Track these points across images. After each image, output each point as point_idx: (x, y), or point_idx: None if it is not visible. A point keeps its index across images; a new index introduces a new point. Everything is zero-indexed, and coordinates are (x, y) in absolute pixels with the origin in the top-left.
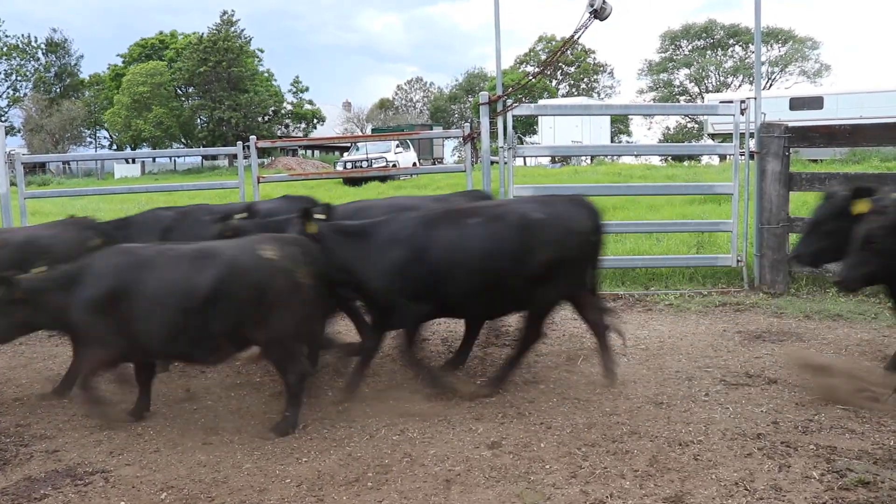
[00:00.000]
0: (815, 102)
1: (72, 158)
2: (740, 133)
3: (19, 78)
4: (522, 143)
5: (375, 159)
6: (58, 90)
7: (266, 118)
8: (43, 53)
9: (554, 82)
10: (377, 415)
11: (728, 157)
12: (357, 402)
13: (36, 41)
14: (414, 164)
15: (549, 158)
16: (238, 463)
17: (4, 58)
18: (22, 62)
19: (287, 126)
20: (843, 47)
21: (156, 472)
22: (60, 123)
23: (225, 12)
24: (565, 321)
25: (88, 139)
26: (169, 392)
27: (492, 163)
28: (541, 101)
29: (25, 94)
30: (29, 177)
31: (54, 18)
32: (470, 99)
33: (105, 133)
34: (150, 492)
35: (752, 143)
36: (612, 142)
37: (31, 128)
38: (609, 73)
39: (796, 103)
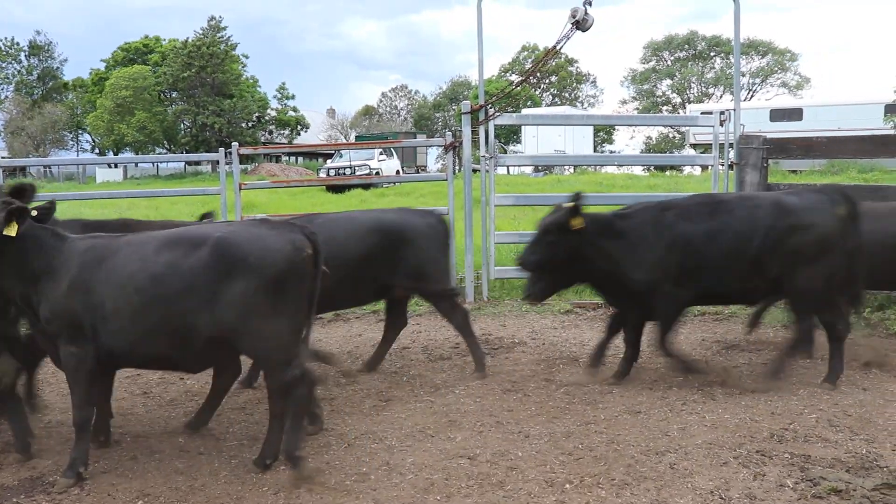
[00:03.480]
0: (795, 114)
1: (53, 163)
2: (720, 144)
3: (0, 80)
4: (505, 152)
5: (358, 167)
6: (40, 93)
7: (250, 124)
8: (26, 56)
9: (538, 91)
10: (355, 423)
11: (709, 167)
12: (334, 411)
13: (19, 44)
14: (397, 171)
15: (532, 167)
16: (215, 470)
17: None
18: (4, 64)
19: (271, 132)
20: (822, 59)
21: (132, 479)
22: (42, 126)
23: (213, 17)
24: (544, 330)
25: (70, 143)
26: (146, 400)
27: (474, 171)
28: (524, 111)
29: (7, 97)
30: (9, 180)
31: (38, 21)
32: (454, 107)
33: (87, 137)
34: (126, 499)
35: (731, 154)
36: (595, 151)
37: (12, 130)
38: (592, 83)
39: (776, 115)
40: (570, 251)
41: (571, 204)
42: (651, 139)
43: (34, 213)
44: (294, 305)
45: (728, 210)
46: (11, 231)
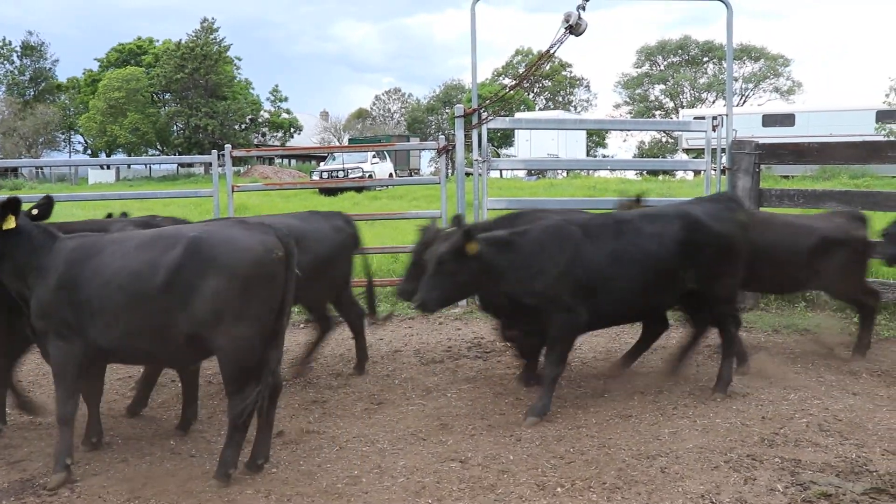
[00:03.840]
0: (787, 119)
1: (45, 164)
2: (713, 149)
3: None
4: (498, 156)
5: (351, 170)
6: (32, 93)
7: (243, 126)
8: (18, 56)
9: (531, 95)
10: (347, 426)
11: (701, 172)
12: (326, 413)
13: (11, 44)
14: (390, 174)
15: (526, 171)
16: (206, 473)
17: None
18: None
19: (264, 135)
20: (815, 65)
21: (122, 482)
22: (34, 127)
23: (205, 19)
24: None
25: (63, 144)
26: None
27: (467, 174)
28: (517, 115)
29: None
30: (0, 181)
31: (31, 22)
32: (447, 110)
33: (80, 138)
34: (117, 502)
35: (724, 159)
36: (588, 155)
37: (4, 131)
38: (586, 87)
39: (769, 120)
40: (470, 276)
41: (461, 229)
42: (644, 144)
43: (34, 211)
44: (263, 306)
45: (634, 227)
46: (10, 224)
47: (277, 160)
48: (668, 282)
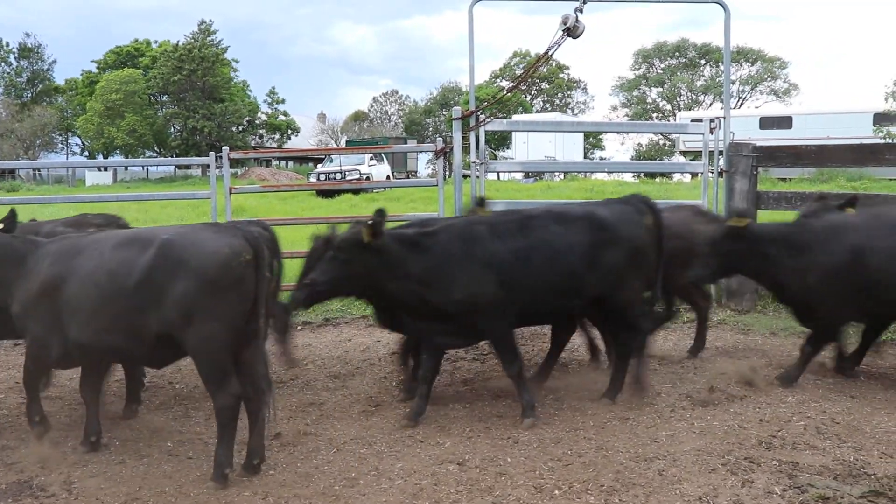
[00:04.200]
0: (785, 122)
1: (42, 166)
2: (710, 151)
3: None
4: (496, 158)
5: (349, 172)
6: (29, 95)
7: (240, 128)
8: (15, 58)
9: (529, 97)
10: (344, 428)
11: (698, 174)
12: (323, 416)
13: (8, 45)
14: (387, 177)
15: (523, 173)
16: (204, 475)
17: None
18: None
19: (261, 136)
20: (812, 67)
21: (120, 483)
22: (31, 129)
23: (203, 21)
24: (533, 336)
25: (60, 145)
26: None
27: (464, 177)
28: (514, 117)
29: None
30: None
31: (28, 23)
32: (445, 112)
33: (77, 140)
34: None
35: (721, 162)
36: (585, 157)
37: (1, 133)
38: (583, 89)
39: (766, 122)
40: (364, 270)
41: (370, 221)
42: (641, 146)
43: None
44: (233, 308)
45: (541, 226)
46: None
47: (275, 162)
48: (573, 283)
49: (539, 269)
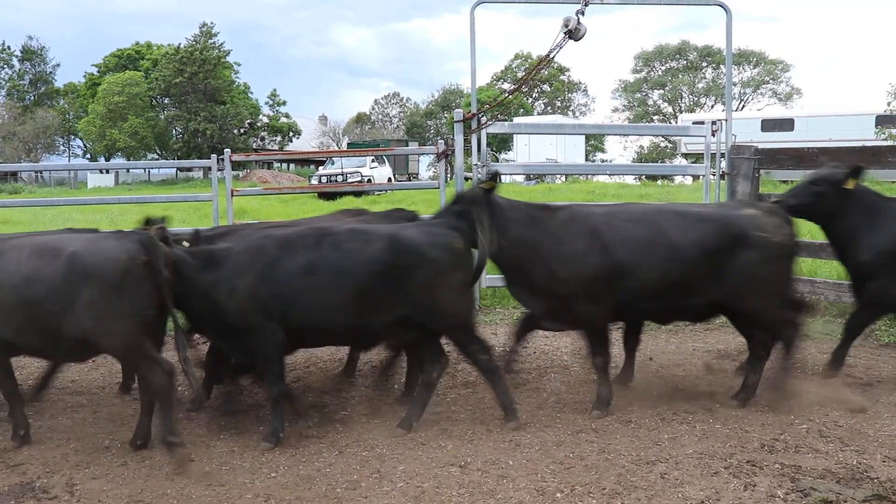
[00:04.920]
0: (786, 124)
1: (44, 168)
2: (711, 154)
3: None
4: (497, 160)
5: (350, 174)
6: (32, 98)
7: (242, 131)
8: (18, 61)
9: (530, 100)
10: (346, 430)
11: (700, 177)
12: (326, 418)
13: (10, 48)
14: (389, 179)
15: (524, 176)
16: (206, 477)
17: None
18: None
19: (263, 139)
20: (814, 69)
21: (122, 486)
22: (34, 131)
23: (204, 24)
24: (535, 339)
25: (62, 148)
26: (137, 405)
27: (466, 179)
28: (516, 119)
29: None
30: (0, 185)
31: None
32: (446, 115)
33: (79, 142)
34: None
35: (723, 164)
36: (587, 159)
37: (4, 135)
38: (584, 92)
39: (768, 125)
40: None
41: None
42: (643, 148)
43: None
44: (138, 307)
45: (336, 243)
46: None
47: (276, 164)
48: (371, 304)
49: (328, 286)
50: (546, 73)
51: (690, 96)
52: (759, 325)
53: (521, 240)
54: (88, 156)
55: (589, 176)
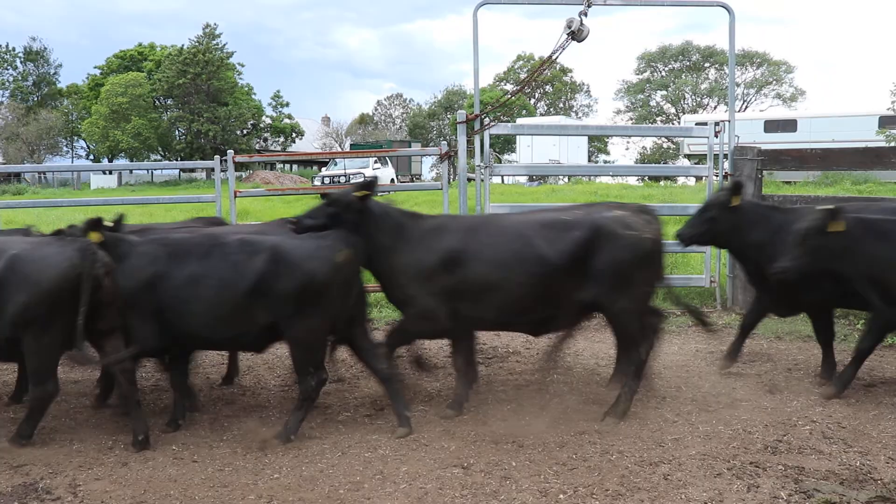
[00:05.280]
0: (789, 125)
1: (47, 169)
2: (714, 155)
3: None
4: (500, 161)
5: (353, 175)
6: (35, 99)
7: (245, 132)
8: (21, 62)
9: (532, 101)
10: (349, 431)
11: (703, 178)
12: (328, 419)
13: (14, 50)
14: (392, 180)
15: (527, 177)
16: (209, 479)
17: None
18: None
19: (266, 140)
20: (817, 70)
21: (125, 486)
22: (37, 132)
23: (207, 25)
24: (539, 340)
25: (65, 149)
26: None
27: (469, 180)
28: (519, 120)
29: (1, 103)
30: (3, 186)
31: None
32: (449, 116)
33: (82, 143)
34: None
35: (726, 165)
36: (589, 161)
37: (7, 136)
38: (587, 93)
39: (771, 126)
40: None
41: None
42: (646, 150)
43: None
44: (73, 314)
45: (221, 252)
46: None
47: (279, 165)
48: (241, 314)
49: (202, 295)
50: (549, 74)
51: (693, 97)
52: (621, 328)
53: (382, 247)
54: (91, 157)
55: (592, 177)
